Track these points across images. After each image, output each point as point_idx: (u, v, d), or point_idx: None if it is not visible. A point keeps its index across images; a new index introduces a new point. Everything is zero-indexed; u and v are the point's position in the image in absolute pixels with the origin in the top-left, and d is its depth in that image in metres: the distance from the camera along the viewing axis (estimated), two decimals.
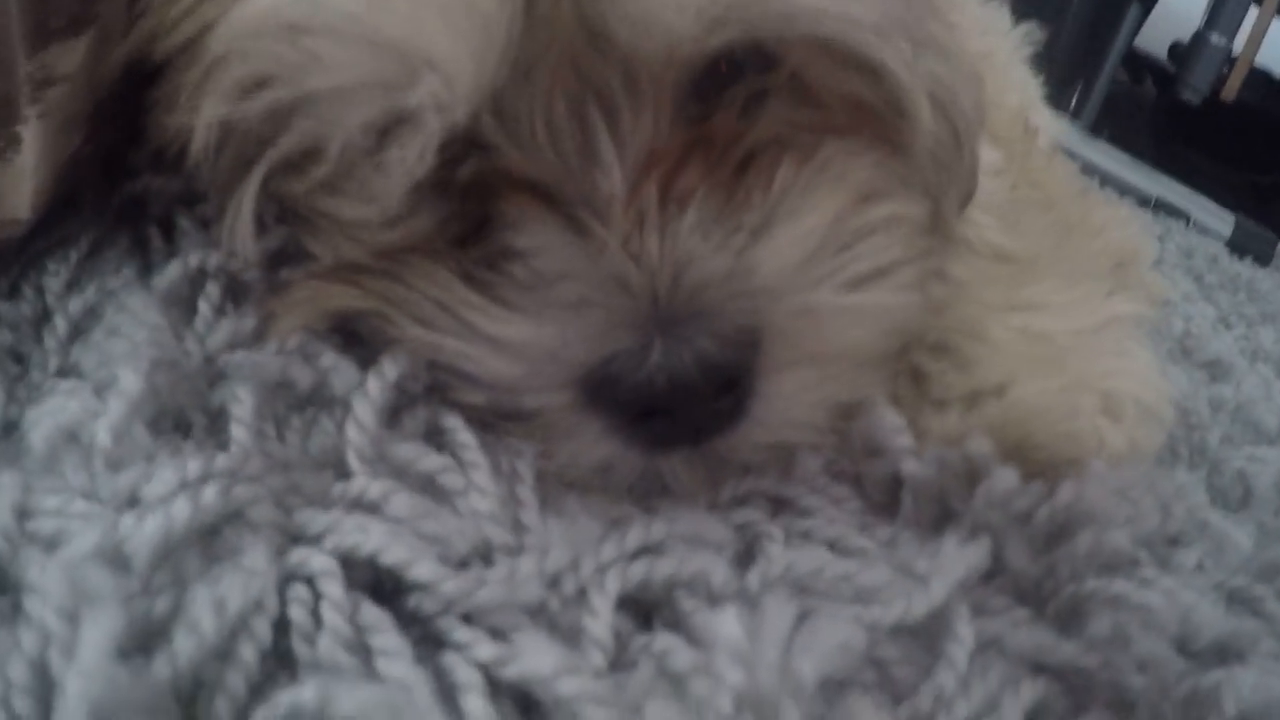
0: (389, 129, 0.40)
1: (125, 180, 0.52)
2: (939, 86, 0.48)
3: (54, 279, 0.48)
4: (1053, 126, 0.92)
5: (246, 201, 0.44)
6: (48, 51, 0.44)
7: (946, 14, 0.51)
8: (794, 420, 0.42)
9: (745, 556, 0.39)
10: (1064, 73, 1.24)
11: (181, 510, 0.35)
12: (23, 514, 0.37)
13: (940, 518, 0.42)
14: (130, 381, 0.39)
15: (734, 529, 0.40)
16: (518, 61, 0.38)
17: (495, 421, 0.41)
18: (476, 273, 0.41)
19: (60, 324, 0.46)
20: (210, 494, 0.36)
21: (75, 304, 0.47)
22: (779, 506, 0.42)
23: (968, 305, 0.52)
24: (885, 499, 0.43)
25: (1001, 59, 0.86)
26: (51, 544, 0.36)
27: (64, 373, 0.45)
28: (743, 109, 0.44)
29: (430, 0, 0.37)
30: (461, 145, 0.41)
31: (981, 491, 0.41)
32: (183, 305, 0.46)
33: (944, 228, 0.51)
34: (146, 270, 0.48)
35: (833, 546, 0.40)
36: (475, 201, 0.42)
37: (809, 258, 0.41)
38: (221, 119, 0.42)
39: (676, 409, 0.39)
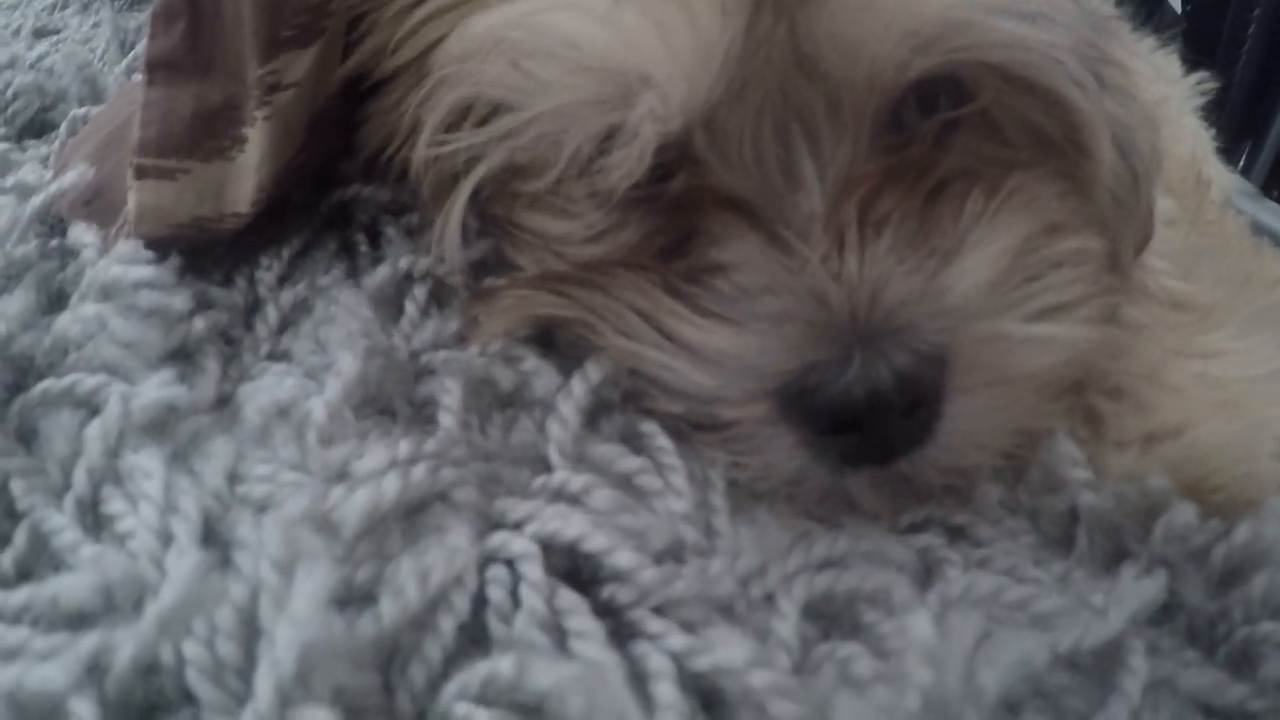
0: (606, 141, 0.42)
1: (334, 188, 0.55)
2: (1118, 127, 0.49)
3: (267, 272, 0.52)
4: (1225, 180, 0.90)
5: (456, 212, 0.47)
6: (278, 59, 0.47)
7: (1124, 60, 0.51)
8: (977, 443, 0.42)
9: (925, 578, 0.40)
10: (1233, 130, 1.20)
11: (391, 486, 0.37)
12: (234, 478, 0.40)
13: (1114, 556, 0.42)
14: (348, 364, 0.42)
15: (914, 551, 0.41)
16: (732, 82, 0.40)
17: (689, 432, 0.43)
18: (679, 285, 0.42)
19: (272, 313, 0.50)
20: (419, 473, 0.38)
21: (287, 296, 0.50)
22: (955, 536, 0.43)
23: (1144, 350, 0.52)
24: (1060, 535, 0.44)
25: (1174, 107, 0.85)
26: (261, 507, 0.38)
27: (274, 357, 0.48)
28: (935, 141, 0.45)
29: (652, 23, 0.39)
30: (673, 159, 0.43)
31: (1160, 525, 0.41)
32: (389, 305, 0.49)
33: (1121, 270, 0.51)
34: (353, 272, 0.52)
35: (1009, 575, 0.40)
36: (680, 217, 0.44)
37: (998, 284, 0.42)
38: (441, 135, 0.45)
39: (869, 424, 0.40)
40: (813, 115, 0.42)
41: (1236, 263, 0.67)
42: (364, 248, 0.53)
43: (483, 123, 0.45)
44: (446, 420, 0.41)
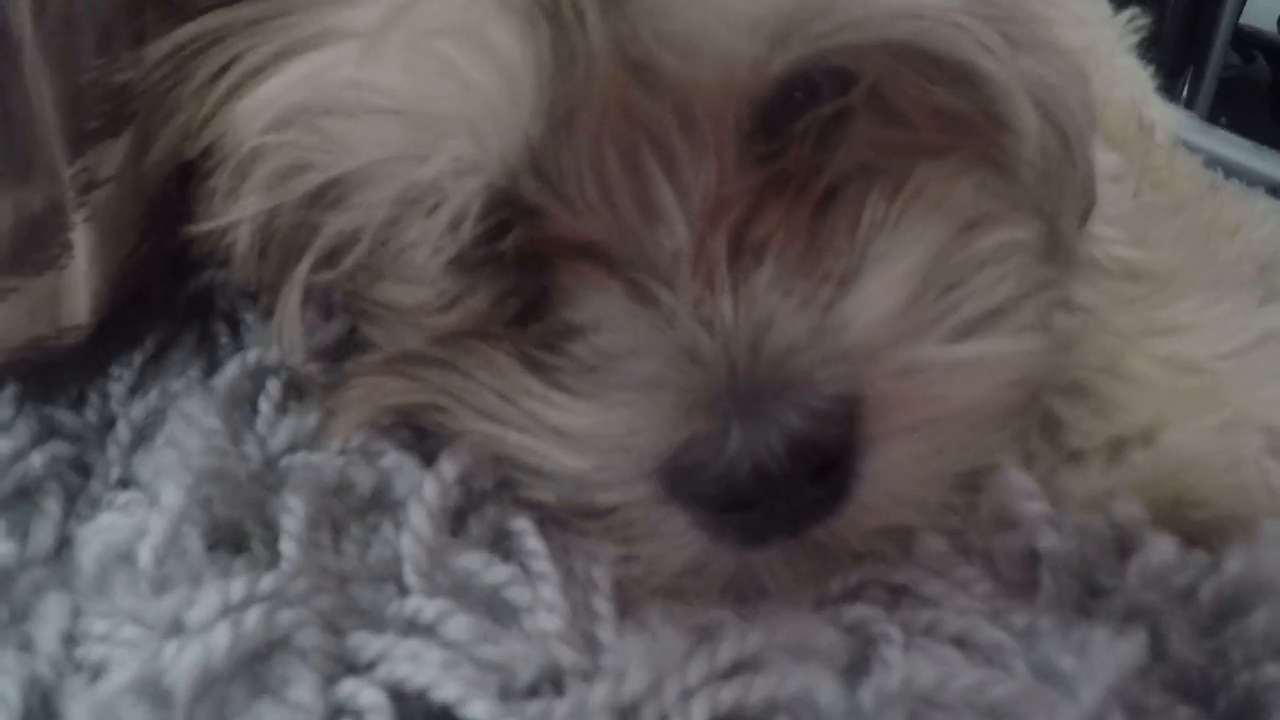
0: (415, 202, 0.37)
1: (190, 276, 0.50)
2: (1040, 88, 0.42)
3: (118, 384, 0.47)
4: (1169, 119, 0.85)
5: (293, 297, 0.42)
6: (88, 155, 0.43)
7: (1040, 9, 0.45)
8: (905, 498, 0.36)
9: (859, 665, 0.34)
10: (1171, 60, 1.16)
11: (221, 638, 0.33)
12: (70, 640, 0.36)
13: (1085, 595, 0.36)
14: (171, 497, 0.37)
15: (844, 631, 0.35)
16: (554, 108, 0.34)
17: (571, 520, 0.37)
18: (536, 355, 0.37)
19: (123, 431, 0.45)
20: (253, 619, 0.33)
21: (138, 409, 0.46)
22: (897, 595, 0.37)
23: (1101, 336, 0.46)
24: (1021, 577, 0.37)
25: (1106, 51, 0.80)
26: (97, 673, 0.34)
27: (125, 482, 0.43)
28: (820, 136, 0.39)
29: (438, 60, 0.34)
30: (506, 211, 0.37)
31: (1135, 567, 0.35)
32: (245, 404, 0.44)
33: (1064, 251, 0.45)
34: (213, 369, 0.47)
35: (961, 643, 0.34)
36: (531, 274, 0.38)
37: (909, 305, 0.36)
38: (260, 217, 0.40)
39: (767, 499, 0.34)
40: (663, 133, 0.35)
41: (1194, 214, 0.61)
42: (224, 338, 0.48)
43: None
44: (288, 548, 0.36)
